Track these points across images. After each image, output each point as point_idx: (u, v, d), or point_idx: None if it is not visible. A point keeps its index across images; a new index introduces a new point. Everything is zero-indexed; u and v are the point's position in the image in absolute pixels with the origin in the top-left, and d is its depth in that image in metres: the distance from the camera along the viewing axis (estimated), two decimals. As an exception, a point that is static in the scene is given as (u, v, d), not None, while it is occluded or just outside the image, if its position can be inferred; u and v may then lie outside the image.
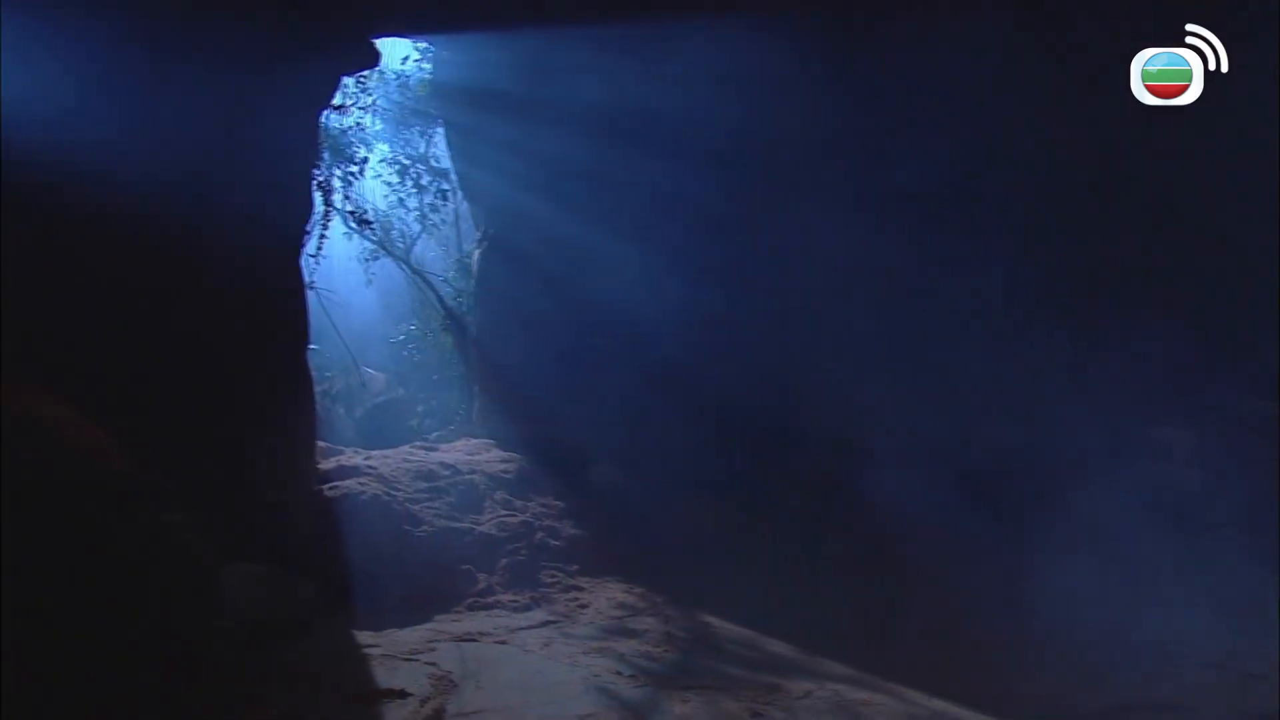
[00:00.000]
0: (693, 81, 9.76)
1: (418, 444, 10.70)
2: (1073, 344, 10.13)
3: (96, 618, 4.30)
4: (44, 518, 4.19)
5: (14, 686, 3.83)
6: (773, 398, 10.00)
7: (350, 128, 12.49)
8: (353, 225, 12.94)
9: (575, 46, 9.99)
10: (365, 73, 10.85)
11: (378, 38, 8.92)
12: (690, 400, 9.92)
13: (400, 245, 14.19)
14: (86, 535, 4.38)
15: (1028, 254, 10.28)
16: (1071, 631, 6.69)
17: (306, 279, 9.61)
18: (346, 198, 12.52)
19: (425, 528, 8.38)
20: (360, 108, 12.55)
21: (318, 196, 10.54)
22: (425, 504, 8.73)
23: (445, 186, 13.71)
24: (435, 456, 9.92)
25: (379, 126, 13.60)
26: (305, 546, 7.24)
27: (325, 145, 11.33)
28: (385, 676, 5.74)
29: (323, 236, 11.50)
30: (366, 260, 14.32)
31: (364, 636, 6.52)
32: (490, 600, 7.73)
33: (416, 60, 12.91)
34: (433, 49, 12.31)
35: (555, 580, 8.15)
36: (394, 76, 13.12)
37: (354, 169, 12.51)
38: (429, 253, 14.83)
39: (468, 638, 6.72)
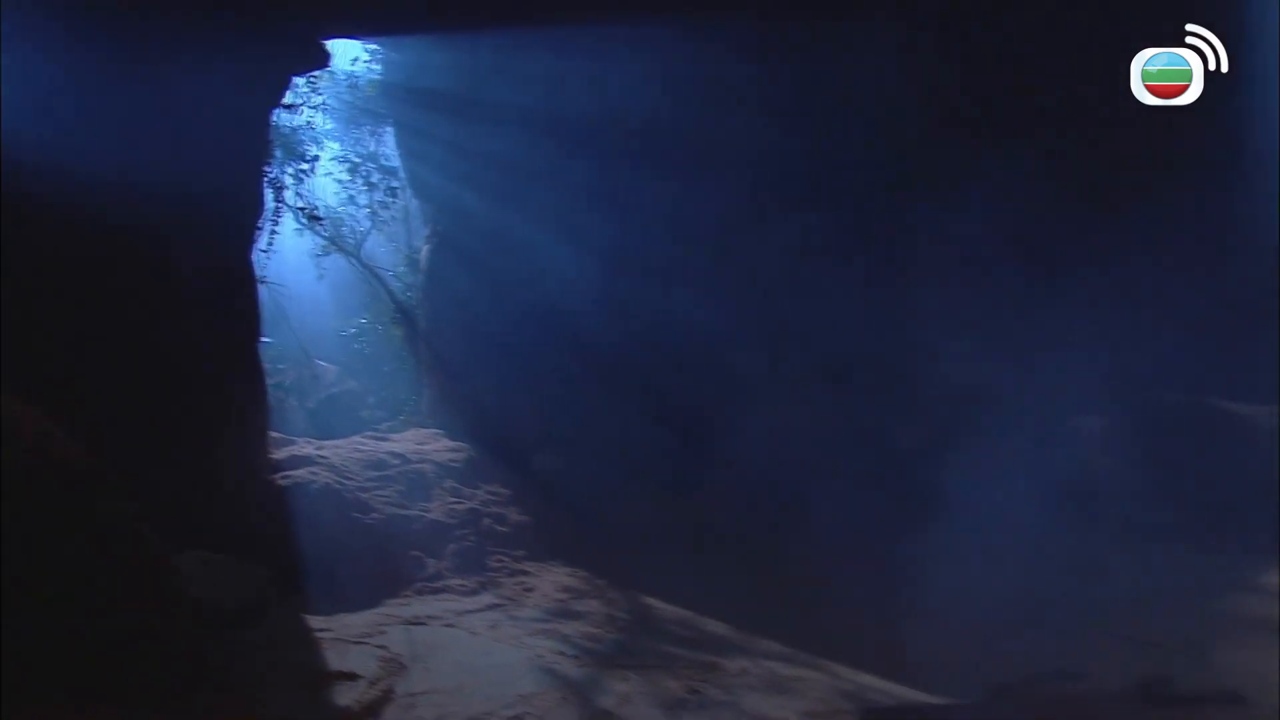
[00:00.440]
0: (631, 84, 9.81)
1: (368, 434, 10.63)
2: (1005, 333, 10.29)
3: (52, 607, 4.25)
4: (-1, 509, 4.13)
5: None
6: (708, 387, 10.08)
7: (301, 127, 12.37)
8: (304, 222, 12.81)
9: (520, 49, 9.98)
10: (316, 73, 10.73)
11: (327, 39, 8.83)
12: (630, 390, 9.97)
13: (351, 241, 14.07)
14: (41, 526, 4.32)
15: (960, 248, 10.44)
16: (985, 606, 6.81)
17: (258, 274, 9.50)
18: (298, 195, 12.41)
19: (375, 515, 8.35)
20: (311, 107, 12.42)
21: (269, 193, 10.44)
22: (375, 492, 8.69)
23: (395, 184, 13.62)
24: (385, 446, 9.87)
25: (329, 125, 13.48)
26: (259, 534, 7.17)
27: (277, 144, 11.22)
28: (336, 659, 5.72)
29: (274, 232, 11.37)
30: (318, 256, 14.18)
31: (316, 621, 6.48)
32: (439, 585, 7.71)
33: (366, 61, 12.83)
34: (382, 50, 12.24)
35: (502, 565, 8.14)
36: (344, 77, 13.00)
37: (305, 167, 12.41)
38: (379, 248, 14.69)
39: (416, 621, 6.70)
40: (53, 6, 6.16)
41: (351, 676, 5.38)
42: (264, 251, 10.84)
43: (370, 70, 12.82)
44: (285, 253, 13.03)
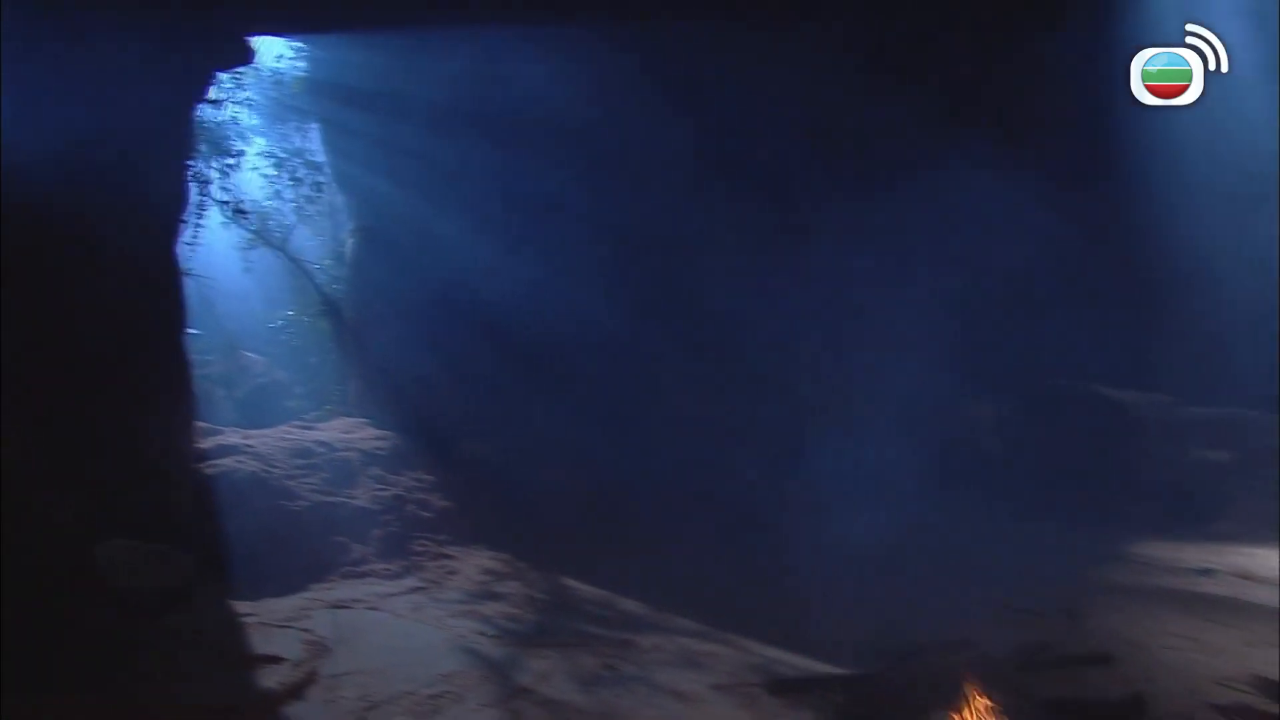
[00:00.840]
0: (552, 83, 9.82)
1: (295, 424, 10.49)
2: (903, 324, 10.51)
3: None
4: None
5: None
6: (627, 376, 10.14)
7: (226, 122, 12.10)
8: (229, 215, 12.54)
9: (444, 48, 9.93)
10: (240, 69, 10.52)
11: (251, 35, 8.66)
12: (551, 378, 9.99)
13: (278, 235, 13.78)
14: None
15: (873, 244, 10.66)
16: (881, 581, 6.98)
17: (184, 266, 9.30)
18: (224, 189, 12.15)
19: (301, 502, 8.24)
20: (236, 103, 12.16)
21: (194, 187, 10.22)
22: (301, 480, 8.58)
23: (321, 179, 13.39)
24: (312, 435, 9.74)
25: (255, 121, 13.20)
26: (184, 521, 7.03)
27: (202, 138, 10.98)
28: (261, 643, 5.66)
29: (199, 226, 11.12)
30: (245, 249, 13.88)
31: (242, 606, 6.40)
32: (363, 569, 7.65)
33: (291, 58, 12.58)
34: (307, 48, 12.03)
35: (425, 549, 8.11)
36: (269, 73, 12.74)
37: (231, 161, 12.13)
38: (306, 242, 14.43)
39: (341, 605, 6.66)
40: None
41: (276, 660, 5.33)
42: (189, 244, 10.59)
43: (295, 67, 12.59)
44: (212, 246, 12.76)
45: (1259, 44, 8.24)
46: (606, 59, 9.81)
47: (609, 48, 9.77)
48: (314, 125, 12.98)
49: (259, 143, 13.44)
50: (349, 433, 9.98)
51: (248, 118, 12.77)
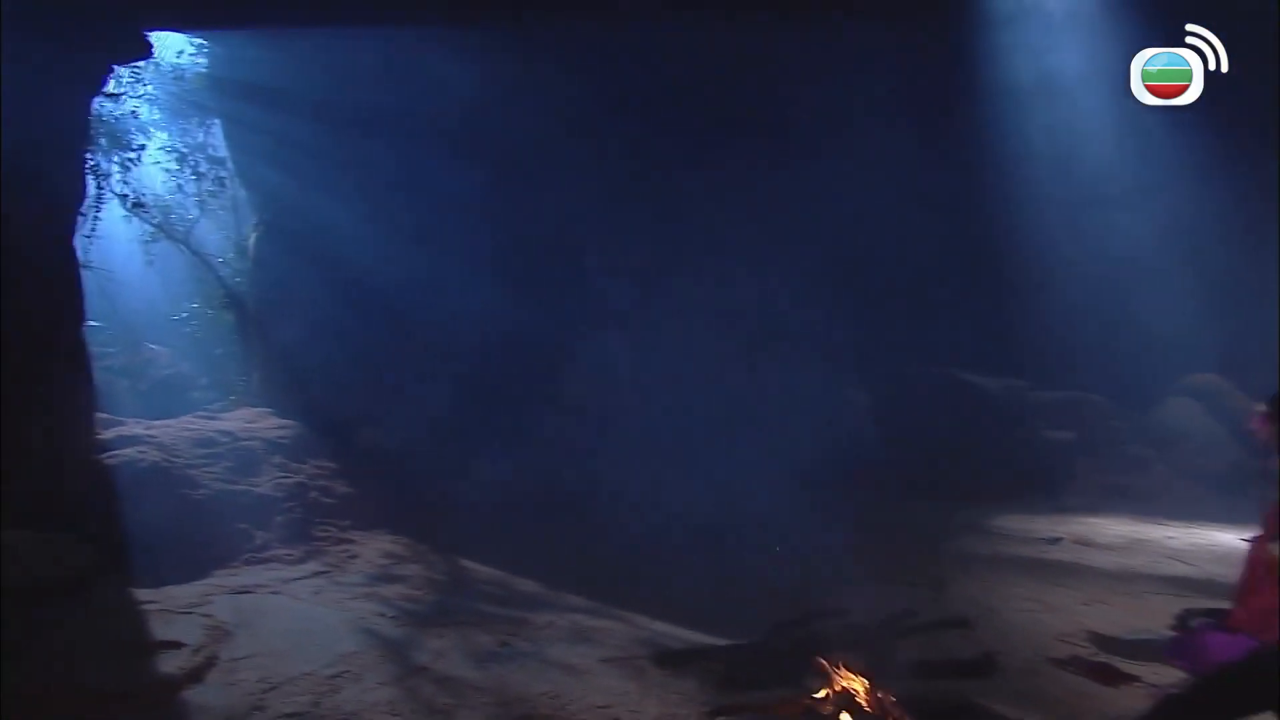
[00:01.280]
0: (448, 82, 9.74)
1: (199, 414, 10.15)
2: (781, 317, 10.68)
3: None
4: None
5: None
6: (523, 367, 10.12)
7: (125, 116, 11.62)
8: (130, 209, 12.07)
9: (343, 49, 9.75)
10: (138, 63, 10.13)
11: (149, 30, 8.34)
12: (450, 369, 9.91)
13: (180, 229, 13.32)
14: None
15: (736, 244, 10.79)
16: (765, 557, 7.09)
17: (82, 259, 8.92)
18: (124, 183, 11.68)
19: (204, 491, 8.00)
20: (135, 97, 11.69)
21: (92, 181, 9.82)
22: (204, 469, 8.33)
23: (224, 174, 12.98)
24: (215, 425, 9.45)
25: (157, 116, 12.72)
26: (82, 511, 6.76)
27: (100, 132, 10.55)
28: (161, 629, 5.48)
29: (97, 219, 10.68)
30: (147, 242, 13.38)
31: (142, 594, 6.18)
32: (266, 555, 7.48)
33: (192, 55, 12.14)
34: (208, 45, 11.65)
35: (328, 535, 7.96)
36: (170, 69, 12.27)
37: (131, 155, 11.67)
38: (209, 236, 13.99)
39: (243, 590, 6.50)
40: None
41: (175, 645, 5.16)
42: (87, 237, 10.16)
43: (196, 64, 12.16)
44: (114, 240, 12.31)
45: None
46: (505, 58, 9.78)
47: (508, 47, 9.74)
48: (216, 121, 12.58)
49: (161, 137, 13.00)
50: (252, 422, 9.72)
51: (148, 112, 12.32)
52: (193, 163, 12.88)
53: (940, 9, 10.91)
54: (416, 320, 10.00)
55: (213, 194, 13.17)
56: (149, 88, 12.12)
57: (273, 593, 6.50)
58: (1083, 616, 6.11)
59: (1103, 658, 5.24)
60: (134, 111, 11.75)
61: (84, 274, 8.22)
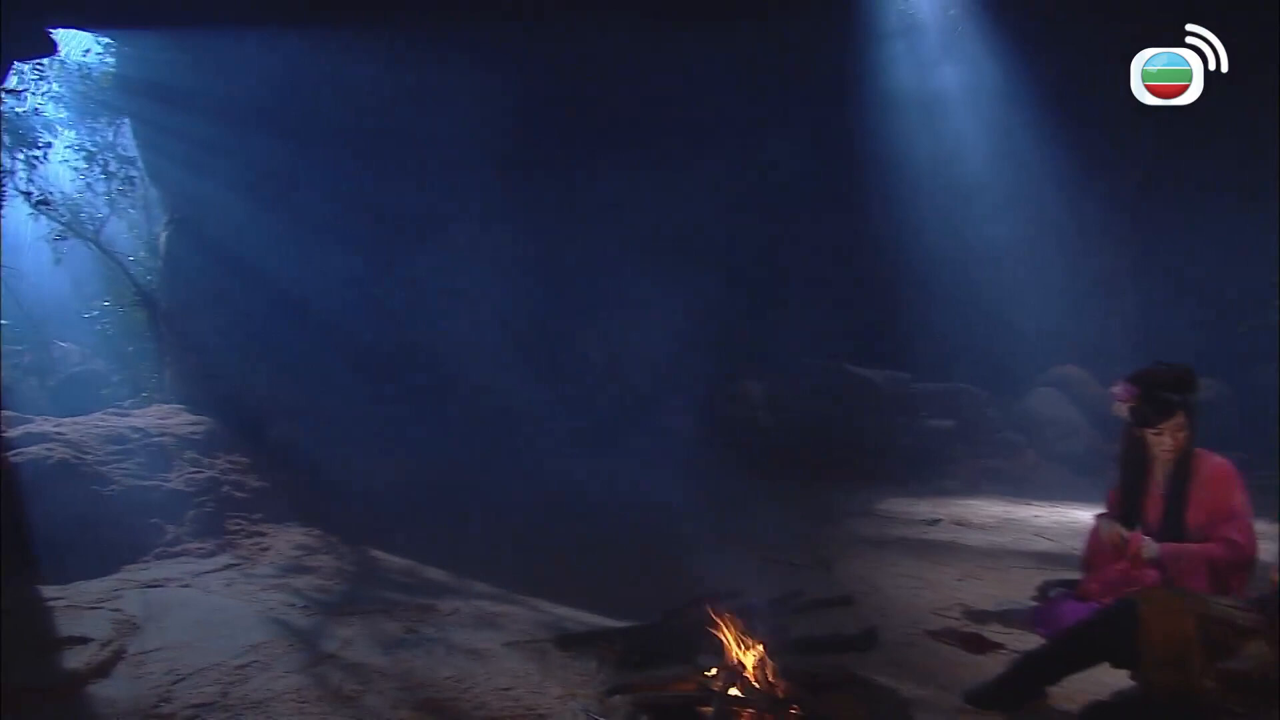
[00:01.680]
0: (359, 85, 9.61)
1: (110, 411, 9.78)
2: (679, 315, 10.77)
3: None
4: None
5: None
6: (430, 360, 10.03)
7: (30, 113, 11.15)
8: (36, 207, 11.58)
9: (253, 49, 9.52)
10: (41, 60, 9.72)
11: (52, 27, 8.00)
12: (360, 364, 9.77)
13: (90, 227, 12.83)
14: None
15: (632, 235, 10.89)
16: (661, 541, 7.14)
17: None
18: (30, 180, 11.21)
19: (114, 486, 7.72)
20: (41, 94, 11.22)
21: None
22: (115, 465, 8.02)
23: (134, 173, 12.54)
24: (127, 421, 9.11)
25: (63, 114, 12.22)
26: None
27: (3, 129, 10.11)
28: (68, 625, 5.28)
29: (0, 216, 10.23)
30: (55, 240, 12.86)
31: (50, 590, 5.96)
32: (177, 549, 7.25)
33: (99, 53, 11.69)
34: (115, 44, 11.23)
35: (240, 528, 7.75)
36: (76, 67, 11.80)
37: (37, 153, 11.20)
38: (120, 235, 13.50)
39: (154, 584, 6.30)
40: None
41: (83, 640, 4.98)
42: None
43: (104, 62, 11.71)
44: (22, 238, 11.82)
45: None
46: (419, 60, 9.69)
47: (423, 49, 9.65)
48: (126, 120, 12.14)
49: (69, 136, 12.50)
50: (165, 419, 9.39)
51: (54, 110, 11.84)
52: (102, 161, 12.43)
53: (827, 23, 11.16)
54: (327, 316, 9.83)
55: (123, 192, 12.74)
56: (55, 86, 11.67)
57: (183, 586, 6.32)
58: (957, 591, 6.30)
59: (973, 628, 5.41)
60: (37, 109, 11.29)
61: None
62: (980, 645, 5.10)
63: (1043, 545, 7.82)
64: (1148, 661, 3.72)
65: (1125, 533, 4.61)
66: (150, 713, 4.14)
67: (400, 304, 9.89)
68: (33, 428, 8.35)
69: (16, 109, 10.73)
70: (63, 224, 12.39)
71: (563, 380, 10.72)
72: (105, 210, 12.96)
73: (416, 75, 9.88)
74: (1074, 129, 12.34)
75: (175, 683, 4.47)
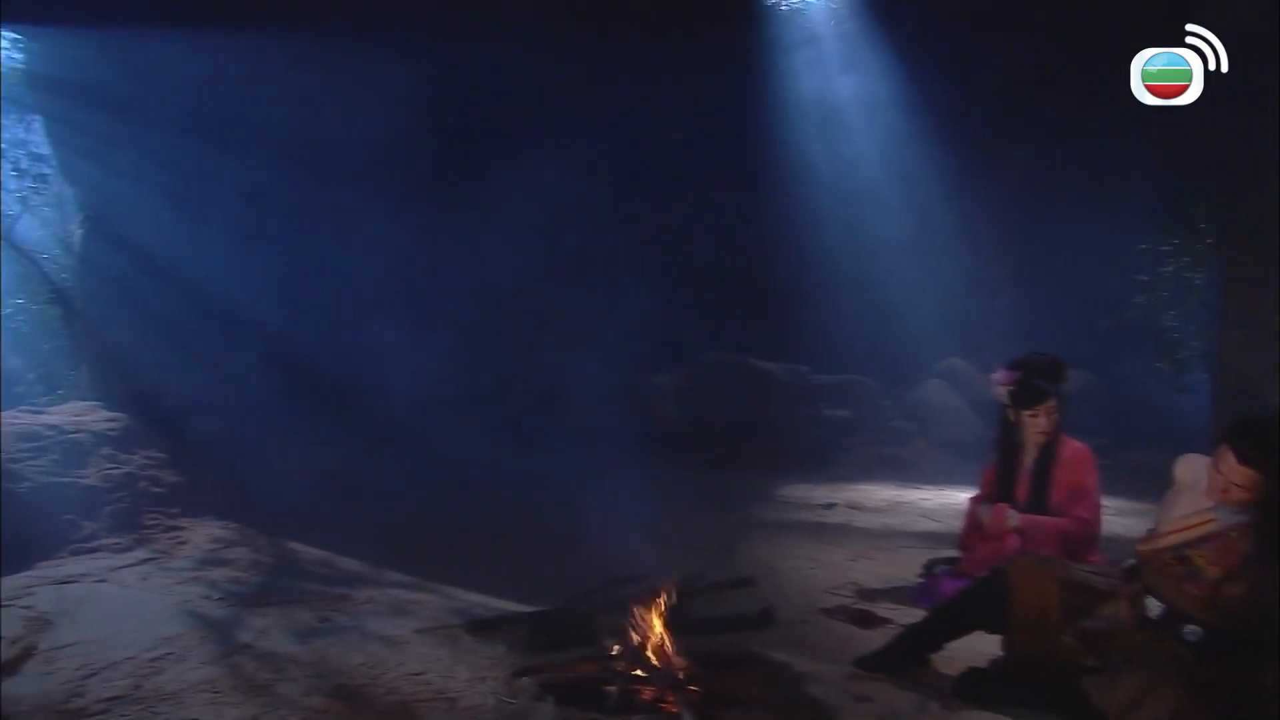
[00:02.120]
0: (273, 84, 9.39)
1: (24, 409, 9.34)
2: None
3: None
4: None
5: None
6: (345, 353, 9.88)
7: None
8: (-65, 205, 11.02)
9: (163, 48, 9.21)
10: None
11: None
12: (277, 358, 9.55)
13: (1, 225, 12.23)
14: None
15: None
16: (568, 528, 7.14)
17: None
18: (-69, 178, 10.66)
19: (27, 484, 7.36)
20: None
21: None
22: (28, 462, 7.64)
23: (46, 171, 11.98)
24: (41, 419, 8.68)
25: (-33, 112, 11.61)
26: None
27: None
28: (-23, 624, 5.05)
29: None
30: (-39, 239, 12.23)
31: (-42, 589, 5.69)
32: (93, 545, 6.97)
33: (7, 49, 11.13)
34: (23, 39, 10.71)
35: (156, 523, 7.49)
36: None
37: (-63, 150, 10.66)
38: (33, 232, 12.89)
39: (68, 580, 6.07)
40: None
41: (-10, 639, 4.77)
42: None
43: (12, 59, 11.16)
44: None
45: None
46: (332, 59, 9.51)
47: (335, 48, 9.47)
48: (37, 118, 11.59)
49: (-24, 134, 11.88)
50: (81, 415, 8.97)
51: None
52: (12, 159, 11.85)
53: (731, 33, 11.29)
54: (248, 313, 9.58)
55: (35, 190, 12.17)
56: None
57: (98, 581, 6.09)
58: (849, 571, 6.44)
59: (863, 605, 5.54)
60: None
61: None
62: (869, 621, 5.23)
63: (929, 526, 8.05)
64: (1013, 621, 3.89)
65: (989, 509, 4.87)
66: (60, 708, 4.00)
67: (314, 301, 9.68)
68: (-61, 427, 7.96)
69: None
70: (-28, 222, 11.79)
71: (475, 375, 10.63)
72: (17, 208, 12.37)
73: (330, 75, 9.68)
74: (957, 137, 12.75)
75: (87, 677, 4.32)
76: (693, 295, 12.59)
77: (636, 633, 4.20)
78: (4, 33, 10.67)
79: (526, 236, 10.69)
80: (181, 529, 7.44)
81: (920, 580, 5.66)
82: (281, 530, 7.35)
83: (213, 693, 4.15)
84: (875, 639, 4.74)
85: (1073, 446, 4.84)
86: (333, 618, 5.27)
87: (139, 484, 7.97)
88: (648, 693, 3.89)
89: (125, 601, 5.60)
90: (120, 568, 6.46)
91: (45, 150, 11.76)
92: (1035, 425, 4.81)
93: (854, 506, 8.97)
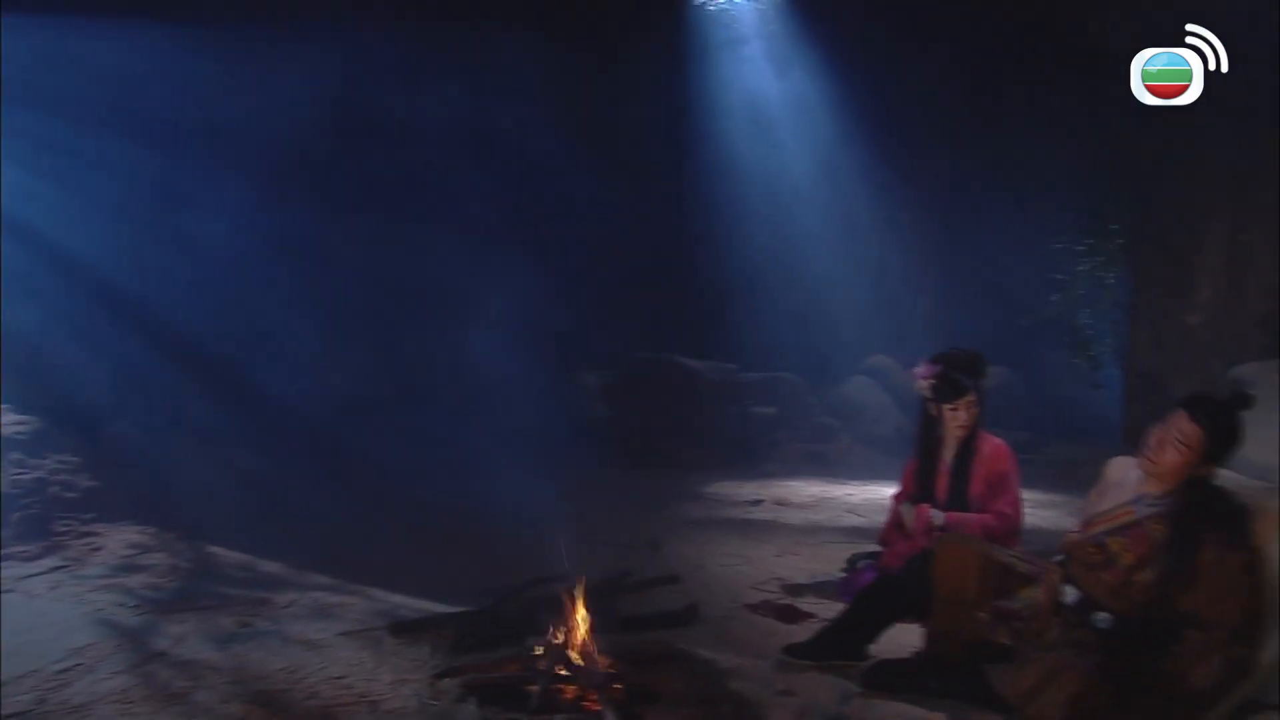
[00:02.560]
0: (189, 79, 9.17)
1: (-71, 413, 8.96)
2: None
3: None
4: None
5: None
6: (262, 357, 9.70)
7: None
8: None
9: (79, 41, 8.91)
10: None
11: None
12: (197, 361, 9.33)
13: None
14: None
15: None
16: (496, 526, 7.11)
17: None
18: None
19: (-71, 492, 7.08)
20: None
21: None
22: (-71, 470, 7.36)
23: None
24: (-55, 425, 8.37)
25: None
26: None
27: None
28: (-127, 640, 4.81)
29: None
30: None
31: None
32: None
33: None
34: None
35: (69, 529, 7.19)
36: None
37: None
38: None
39: (-30, 592, 5.81)
40: None
41: (-114, 655, 4.55)
42: None
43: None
44: None
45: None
46: (249, 53, 9.32)
47: (252, 42, 9.29)
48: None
49: None
50: (-12, 420, 8.67)
51: None
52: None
53: (659, 32, 11.35)
54: (167, 317, 9.32)
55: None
56: None
57: (6, 591, 5.85)
58: (775, 566, 6.53)
59: (788, 600, 5.63)
60: None
61: None
62: (793, 615, 5.32)
63: (854, 521, 8.20)
64: (935, 597, 4.00)
65: (912, 509, 4.97)
66: (-43, 728, 3.84)
67: (231, 301, 9.47)
68: None
69: None
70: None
71: (398, 375, 10.52)
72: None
73: (246, 69, 9.49)
74: (882, 138, 13.01)
75: (-13, 694, 4.15)
76: (620, 294, 12.65)
77: (560, 632, 4.21)
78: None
79: (450, 236, 10.60)
80: (96, 535, 7.17)
81: (843, 575, 5.77)
82: (201, 534, 7.14)
83: (124, 704, 4.02)
84: (798, 633, 4.82)
85: (992, 443, 4.97)
86: (253, 622, 5.15)
87: (50, 489, 7.66)
88: (570, 691, 3.91)
89: (33, 612, 5.37)
90: (29, 576, 6.20)
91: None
92: (955, 419, 4.93)
93: (780, 503, 9.09)
